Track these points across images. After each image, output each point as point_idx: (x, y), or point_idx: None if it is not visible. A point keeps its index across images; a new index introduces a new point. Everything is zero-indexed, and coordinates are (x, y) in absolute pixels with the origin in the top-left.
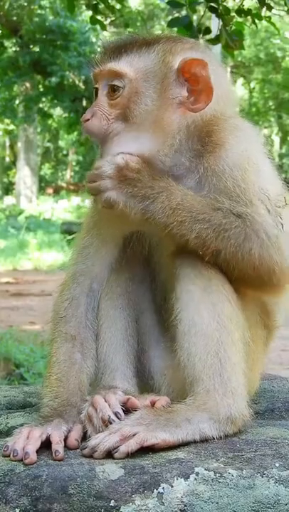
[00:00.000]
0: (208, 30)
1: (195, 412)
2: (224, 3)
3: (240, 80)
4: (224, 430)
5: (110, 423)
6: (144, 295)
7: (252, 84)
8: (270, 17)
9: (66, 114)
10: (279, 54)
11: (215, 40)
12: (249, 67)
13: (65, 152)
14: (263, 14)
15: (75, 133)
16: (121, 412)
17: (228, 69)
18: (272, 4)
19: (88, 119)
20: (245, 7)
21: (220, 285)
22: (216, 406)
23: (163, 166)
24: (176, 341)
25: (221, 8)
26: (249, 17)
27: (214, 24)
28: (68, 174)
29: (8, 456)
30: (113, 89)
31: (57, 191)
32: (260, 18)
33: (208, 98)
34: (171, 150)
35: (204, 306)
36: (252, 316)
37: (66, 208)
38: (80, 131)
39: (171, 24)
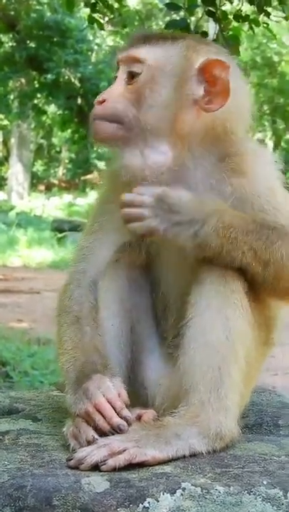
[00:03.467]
0: (205, 34)
1: (185, 427)
2: (222, 8)
3: None
4: (212, 446)
5: (94, 442)
6: (141, 304)
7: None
8: (267, 23)
9: (60, 112)
10: (275, 58)
11: None
12: (245, 70)
13: (58, 149)
14: (260, 20)
15: (69, 130)
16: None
17: None
18: (269, 10)
19: (101, 102)
20: (243, 12)
21: (239, 300)
22: (208, 421)
23: (194, 177)
24: (180, 347)
25: (218, 12)
26: (246, 22)
27: (210, 28)
28: (61, 171)
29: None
30: (132, 75)
31: (49, 188)
32: (258, 24)
33: (223, 101)
34: (189, 154)
35: (219, 317)
36: (258, 335)
37: (57, 206)
38: (74, 129)
39: (168, 26)
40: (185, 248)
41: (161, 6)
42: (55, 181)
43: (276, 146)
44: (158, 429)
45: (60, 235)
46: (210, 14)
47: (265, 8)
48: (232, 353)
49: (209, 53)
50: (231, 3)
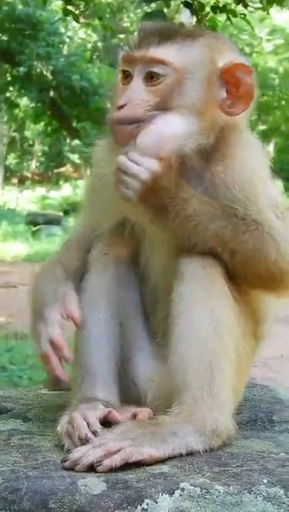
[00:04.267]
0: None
1: (181, 425)
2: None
3: None
4: (209, 443)
5: (88, 442)
6: (131, 298)
7: None
8: (244, 14)
9: (33, 104)
10: (247, 50)
11: None
12: None
13: (31, 142)
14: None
15: (42, 123)
16: (99, 430)
17: None
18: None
19: (122, 106)
20: (220, 3)
21: (222, 289)
22: (203, 418)
23: (186, 162)
24: (169, 345)
25: (195, 3)
26: (224, 13)
27: (185, 18)
28: (34, 165)
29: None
30: (151, 76)
31: (22, 181)
32: (236, 15)
33: (246, 106)
34: (202, 144)
35: (204, 310)
36: (245, 326)
37: (31, 199)
38: (47, 122)
39: (145, 18)
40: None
41: None
42: (28, 174)
43: None
44: (154, 427)
45: (34, 229)
46: (187, 5)
47: None
48: (221, 346)
49: (230, 53)
50: None
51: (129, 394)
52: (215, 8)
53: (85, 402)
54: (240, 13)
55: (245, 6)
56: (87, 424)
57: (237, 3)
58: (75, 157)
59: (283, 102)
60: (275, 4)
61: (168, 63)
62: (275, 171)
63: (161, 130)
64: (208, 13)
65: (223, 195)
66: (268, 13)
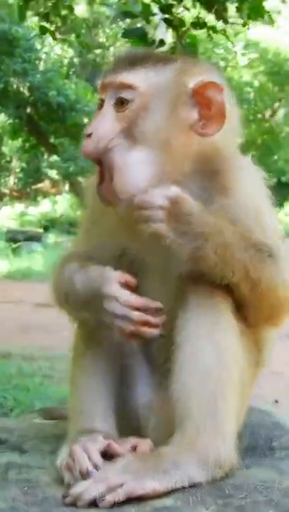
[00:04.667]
0: (162, 42)
1: (183, 455)
2: (179, 16)
3: None
4: (212, 475)
5: (89, 476)
6: None
7: None
8: (225, 30)
9: (10, 121)
10: (222, 64)
11: (170, 53)
12: None
13: (8, 159)
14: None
15: (20, 139)
16: (100, 464)
17: None
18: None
19: (89, 135)
20: (200, 19)
21: (229, 320)
22: (205, 448)
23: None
24: (171, 373)
25: (175, 20)
26: (204, 29)
27: (161, 33)
28: (12, 181)
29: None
30: (121, 102)
31: (0, 198)
32: (216, 31)
33: (219, 126)
34: (181, 177)
35: (210, 341)
36: (249, 355)
37: (10, 215)
38: (25, 138)
39: (125, 35)
40: (180, 259)
41: (108, 13)
42: (6, 191)
43: None
44: (156, 459)
45: (14, 246)
46: (167, 22)
47: (223, 14)
48: (226, 377)
49: (202, 75)
50: (188, 10)
51: (128, 423)
52: (195, 24)
53: (84, 434)
54: (221, 30)
55: (226, 21)
56: (88, 457)
57: (217, 19)
58: (53, 173)
59: (259, 116)
60: (255, 17)
61: (135, 87)
62: None
63: (126, 170)
64: (189, 29)
65: (239, 230)
66: (249, 28)
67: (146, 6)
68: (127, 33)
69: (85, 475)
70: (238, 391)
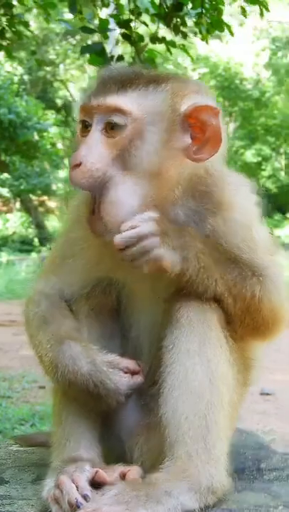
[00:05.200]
0: (121, 58)
1: (174, 483)
2: (137, 31)
3: None
4: (205, 501)
5: (78, 507)
6: (113, 351)
7: None
8: (184, 44)
9: None
10: None
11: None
12: None
13: None
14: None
15: None
16: (90, 494)
17: None
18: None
19: (78, 165)
20: (159, 34)
21: (219, 337)
22: (197, 475)
23: (175, 218)
24: (160, 395)
25: (134, 35)
26: (163, 44)
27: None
28: None
29: None
30: (111, 127)
31: None
32: (174, 46)
33: (215, 149)
34: (171, 204)
35: (199, 360)
36: (238, 374)
37: None
38: None
39: (83, 50)
40: (167, 277)
41: (58, 30)
42: None
43: None
44: (147, 487)
45: None
46: (125, 37)
47: (181, 29)
48: (216, 398)
49: (195, 97)
50: (146, 25)
51: (113, 450)
52: (154, 39)
53: (69, 463)
54: (180, 44)
55: (185, 36)
56: (76, 487)
57: (176, 34)
58: (4, 191)
59: None
60: (215, 31)
61: (126, 112)
62: None
63: (120, 202)
64: (147, 44)
65: (225, 245)
66: (207, 43)
67: (104, 21)
68: (86, 49)
69: (74, 507)
70: (228, 413)
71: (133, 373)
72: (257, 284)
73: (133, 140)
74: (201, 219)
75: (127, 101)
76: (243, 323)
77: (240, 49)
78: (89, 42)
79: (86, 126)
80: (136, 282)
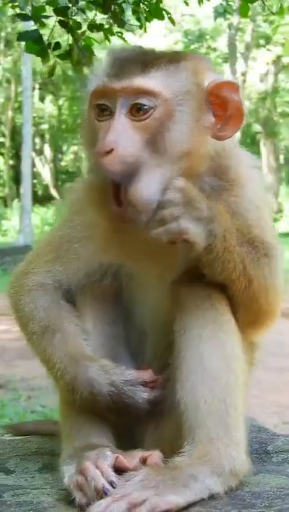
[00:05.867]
0: (58, 45)
1: (197, 467)
2: (74, 18)
3: (49, 97)
4: (228, 484)
5: (105, 493)
6: (118, 338)
7: (60, 101)
8: (121, 33)
9: None
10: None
11: (66, 56)
12: (58, 84)
13: None
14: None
15: None
16: (116, 480)
17: (37, 86)
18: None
19: (109, 151)
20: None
21: (230, 320)
22: (219, 458)
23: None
24: (176, 381)
25: (71, 22)
26: (101, 32)
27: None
28: None
29: None
30: (138, 109)
31: None
32: (112, 34)
33: (238, 126)
34: (197, 181)
35: (214, 343)
36: (246, 357)
37: None
38: None
39: (20, 38)
40: (192, 251)
41: None
42: None
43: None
44: (172, 472)
45: None
46: (62, 24)
47: (120, 17)
48: (233, 381)
49: (213, 74)
50: (84, 12)
51: (121, 438)
52: (92, 27)
53: (88, 449)
54: (117, 32)
55: (122, 25)
56: (101, 473)
57: (114, 22)
58: None
59: None
60: (154, 19)
61: (155, 93)
62: None
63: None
64: (85, 31)
65: (239, 223)
66: (146, 31)
67: (38, 8)
68: (22, 36)
69: (101, 493)
70: (244, 396)
71: (151, 383)
72: (266, 265)
73: (164, 122)
74: (216, 195)
75: (154, 81)
76: (249, 308)
77: (153, 42)
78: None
79: (103, 110)
80: (143, 268)
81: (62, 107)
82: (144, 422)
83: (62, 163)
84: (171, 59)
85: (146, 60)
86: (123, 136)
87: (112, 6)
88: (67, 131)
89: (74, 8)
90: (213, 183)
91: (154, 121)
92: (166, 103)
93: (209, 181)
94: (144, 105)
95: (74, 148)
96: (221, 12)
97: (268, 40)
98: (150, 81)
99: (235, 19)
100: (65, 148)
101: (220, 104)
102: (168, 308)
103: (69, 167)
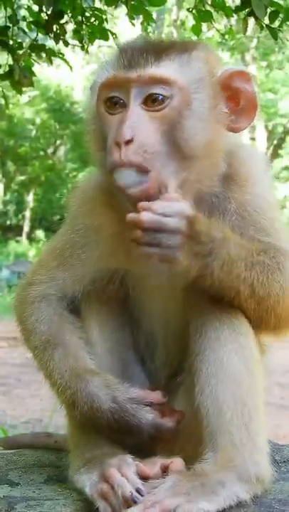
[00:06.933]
0: None
1: (224, 473)
2: (15, 38)
3: None
4: (254, 491)
5: (134, 501)
6: (126, 343)
7: None
8: (62, 53)
9: None
10: (1, 101)
11: (6, 76)
12: None
13: None
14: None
15: None
16: (143, 488)
17: None
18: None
19: (128, 142)
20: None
21: (245, 324)
22: (244, 464)
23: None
24: (195, 385)
25: (12, 42)
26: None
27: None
28: None
29: None
30: (153, 99)
31: None
32: (55, 55)
33: (251, 118)
34: (214, 181)
35: (233, 347)
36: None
37: None
38: None
39: None
40: (185, 278)
41: None
42: None
43: (7, 187)
44: (200, 478)
45: None
46: (3, 44)
47: (62, 37)
48: (254, 384)
49: (224, 64)
50: (25, 33)
51: (131, 444)
52: (33, 48)
53: (108, 457)
54: (59, 53)
55: (66, 44)
56: (127, 481)
57: (56, 42)
58: None
59: (42, 153)
60: (94, 40)
61: (171, 82)
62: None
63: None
64: (26, 51)
65: (249, 224)
66: (87, 52)
67: None
68: None
69: (129, 501)
70: (264, 400)
71: (158, 405)
72: (281, 275)
73: (182, 111)
74: (225, 195)
75: (169, 70)
76: (266, 318)
77: (70, 73)
78: None
79: (115, 104)
80: (152, 273)
81: None
82: (148, 446)
83: None
84: (182, 48)
85: (158, 50)
86: (141, 126)
87: (55, 27)
88: None
89: (15, 27)
90: (223, 181)
91: (171, 111)
92: (182, 91)
93: (218, 190)
94: (160, 95)
95: None
96: None
97: None
98: (165, 69)
99: None
100: None
101: (232, 96)
102: (179, 312)
103: None
